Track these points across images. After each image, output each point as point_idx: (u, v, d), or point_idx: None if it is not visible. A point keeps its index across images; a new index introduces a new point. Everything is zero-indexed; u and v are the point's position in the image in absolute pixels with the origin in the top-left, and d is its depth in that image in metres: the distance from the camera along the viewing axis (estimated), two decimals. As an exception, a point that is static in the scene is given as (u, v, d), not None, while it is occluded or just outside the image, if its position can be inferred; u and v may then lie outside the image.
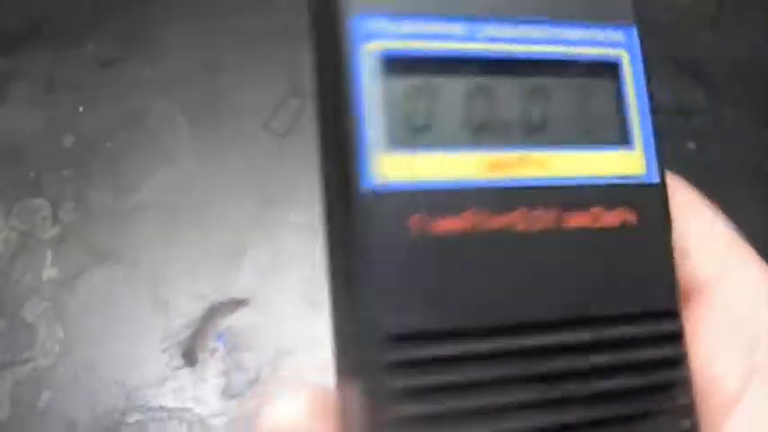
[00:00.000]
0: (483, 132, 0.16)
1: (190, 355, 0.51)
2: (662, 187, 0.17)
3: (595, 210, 0.16)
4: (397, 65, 0.16)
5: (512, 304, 0.15)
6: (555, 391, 0.15)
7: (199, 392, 0.50)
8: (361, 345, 0.15)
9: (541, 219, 0.16)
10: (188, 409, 0.50)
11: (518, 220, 0.15)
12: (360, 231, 0.15)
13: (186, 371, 0.51)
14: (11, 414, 0.50)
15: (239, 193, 0.55)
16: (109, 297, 0.53)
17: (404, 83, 0.16)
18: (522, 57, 0.16)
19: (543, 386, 0.15)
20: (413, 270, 0.15)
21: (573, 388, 0.15)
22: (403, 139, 0.15)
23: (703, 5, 0.67)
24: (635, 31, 0.17)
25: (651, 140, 0.17)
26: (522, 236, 0.15)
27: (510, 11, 0.16)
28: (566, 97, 0.17)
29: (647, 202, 0.17)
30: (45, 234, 0.55)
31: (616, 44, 0.17)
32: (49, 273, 0.53)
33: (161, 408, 0.50)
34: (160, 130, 0.57)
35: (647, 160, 0.17)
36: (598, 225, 0.16)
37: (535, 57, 0.16)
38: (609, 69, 0.17)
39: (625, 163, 0.16)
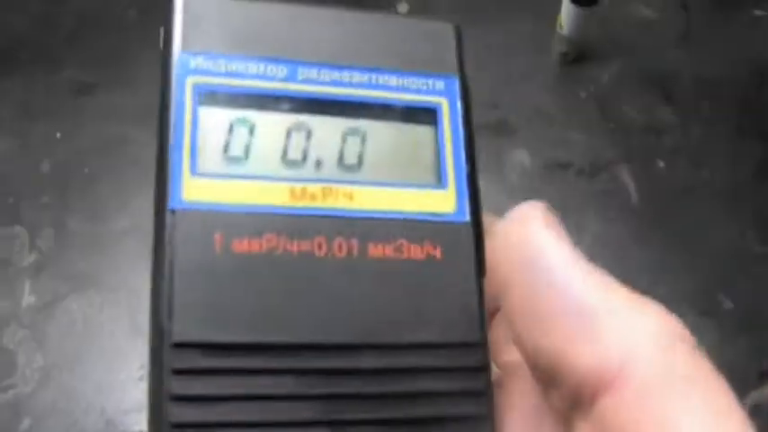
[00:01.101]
0: (293, 165, 0.17)
1: (168, 381, 0.52)
2: (472, 226, 0.17)
3: (399, 242, 0.17)
4: (214, 98, 0.17)
5: (301, 324, 0.16)
6: (334, 413, 0.16)
7: (177, 417, 0.51)
8: (152, 350, 0.15)
9: (342, 247, 0.16)
10: (167, 434, 0.51)
11: (316, 247, 0.16)
12: (165, 245, 0.16)
13: (165, 396, 0.51)
14: (-9, 441, 0.51)
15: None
16: (87, 324, 0.53)
17: (219, 115, 0.17)
18: (342, 98, 0.17)
19: (321, 407, 0.16)
20: (207, 284, 0.16)
21: (353, 411, 0.16)
22: (211, 166, 0.16)
23: (672, 23, 0.68)
24: (457, 81, 0.18)
25: (464, 182, 0.17)
26: (319, 262, 0.16)
27: (334, 58, 0.17)
28: (382, 139, 0.17)
29: (454, 239, 0.17)
30: (23, 261, 0.55)
31: (436, 92, 0.18)
32: (28, 300, 0.54)
33: (140, 433, 0.51)
34: (137, 156, 0.58)
35: (459, 200, 0.17)
36: (401, 257, 0.17)
37: (355, 99, 0.17)
38: (427, 115, 0.18)
39: (435, 201, 0.17)
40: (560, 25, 0.63)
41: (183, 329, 0.15)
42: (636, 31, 0.68)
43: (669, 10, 0.68)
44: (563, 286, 0.15)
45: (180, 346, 0.15)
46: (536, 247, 0.16)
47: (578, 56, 0.65)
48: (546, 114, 0.62)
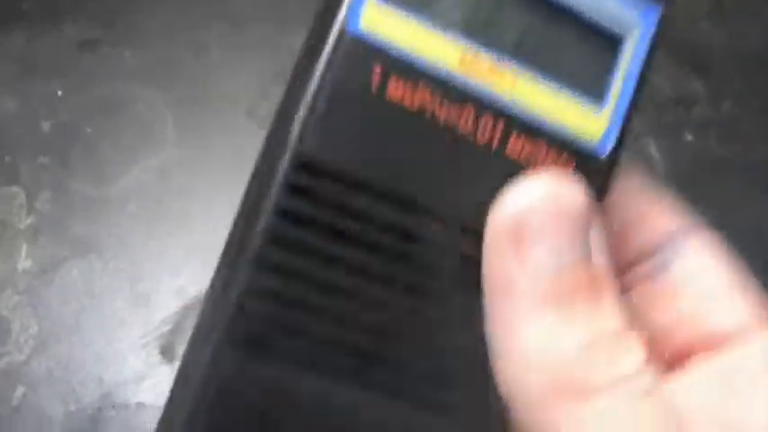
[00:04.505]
0: (475, 30, 0.16)
1: (169, 352, 0.49)
2: (612, 155, 0.17)
3: (539, 144, 0.16)
4: None
5: (417, 185, 0.16)
6: (408, 273, 0.16)
7: (178, 390, 0.49)
8: (266, 159, 0.16)
9: (486, 129, 0.16)
10: (167, 407, 0.48)
11: (463, 120, 0.16)
12: (320, 64, 0.16)
13: (165, 367, 0.49)
14: (-17, 410, 0.49)
15: (222, 184, 0.54)
16: (86, 290, 0.51)
17: None
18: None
19: (402, 266, 0.16)
20: (349, 116, 0.16)
21: (427, 278, 0.16)
22: None
23: (705, -7, 0.65)
24: (657, 13, 0.18)
25: (620, 113, 0.17)
26: (459, 137, 0.16)
27: None
28: (566, 41, 0.17)
29: (591, 162, 0.17)
30: (20, 223, 0.53)
31: (634, 17, 0.17)
32: (24, 264, 0.52)
33: (139, 405, 0.49)
34: (142, 117, 0.55)
35: (609, 128, 0.17)
36: (534, 160, 0.16)
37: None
38: (615, 37, 0.17)
39: (587, 121, 0.17)
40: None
41: (308, 146, 0.16)
42: None
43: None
44: None
45: (300, 161, 0.16)
46: None
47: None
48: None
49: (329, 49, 0.16)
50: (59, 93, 0.56)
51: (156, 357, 0.49)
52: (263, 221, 0.16)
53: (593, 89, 0.17)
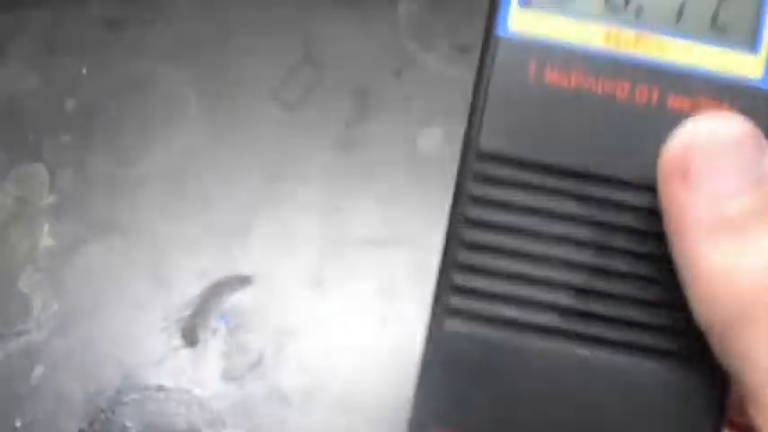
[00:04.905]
0: (614, 9, 0.18)
1: (190, 335, 0.49)
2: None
3: (698, 98, 0.17)
4: None
5: (588, 155, 0.18)
6: (606, 240, 0.18)
7: (198, 374, 0.48)
8: (462, 157, 0.18)
9: (643, 94, 0.17)
10: (187, 391, 0.48)
11: (619, 90, 0.17)
12: (486, 68, 0.18)
13: (186, 351, 0.49)
14: (2, 388, 0.48)
15: (246, 167, 0.53)
16: (107, 270, 0.51)
17: None
18: None
19: (590, 232, 0.18)
20: (516, 107, 0.18)
21: (617, 240, 0.18)
22: (539, 1, 0.18)
23: None
24: None
25: None
26: (619, 105, 0.18)
27: None
28: None
29: (753, 104, 0.17)
30: (42, 201, 0.52)
31: None
32: (46, 242, 0.51)
33: (159, 388, 0.48)
34: (166, 98, 0.55)
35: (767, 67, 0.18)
36: (696, 112, 0.17)
37: None
38: None
39: (744, 65, 0.18)
40: None
41: (487, 141, 0.18)
42: None
43: None
44: None
45: (484, 155, 0.18)
46: None
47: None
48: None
49: (488, 54, 0.18)
50: (84, 71, 0.56)
51: (178, 340, 0.49)
52: (465, 209, 0.18)
53: (743, 35, 0.18)
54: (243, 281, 0.50)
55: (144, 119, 0.55)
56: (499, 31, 0.18)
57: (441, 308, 0.19)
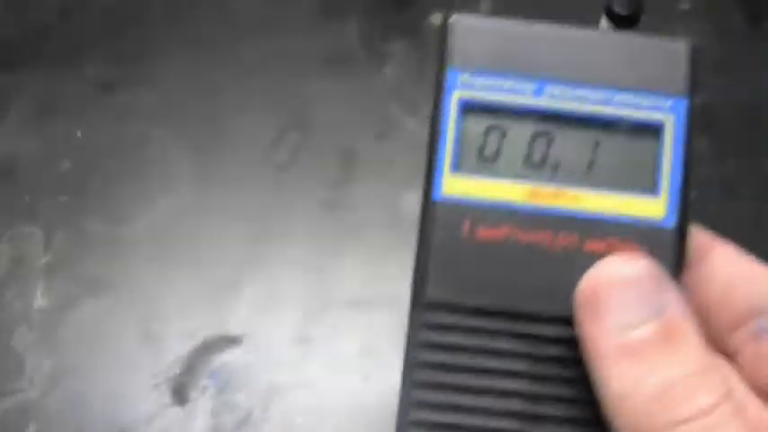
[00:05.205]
0: (533, 168, 0.20)
1: (180, 393, 0.50)
2: (677, 231, 0.20)
3: (611, 241, 0.20)
4: (474, 109, 0.20)
5: (526, 298, 0.20)
6: (540, 370, 0.20)
7: None
8: (412, 307, 0.20)
9: (564, 240, 0.20)
10: (176, 448, 0.49)
11: (543, 238, 0.20)
12: (427, 229, 0.20)
13: (176, 409, 0.50)
14: (-5, 446, 0.49)
15: (235, 227, 0.55)
16: (99, 329, 0.52)
17: (476, 124, 0.20)
18: (580, 113, 0.20)
19: (532, 363, 0.20)
20: (456, 261, 0.20)
21: (553, 369, 0.20)
22: (468, 165, 0.20)
23: (709, 49, 0.66)
24: (685, 102, 0.20)
25: (677, 193, 0.20)
26: (543, 251, 0.20)
27: (576, 76, 0.20)
28: (610, 150, 0.20)
29: (660, 242, 0.20)
30: (37, 261, 0.54)
31: (664, 110, 0.20)
32: (40, 302, 0.53)
33: (148, 446, 0.49)
34: (158, 158, 0.57)
35: (669, 208, 0.20)
36: (604, 252, 0.20)
37: (591, 115, 0.20)
38: (652, 131, 0.20)
39: (647, 207, 0.20)
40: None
41: (434, 292, 0.20)
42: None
43: (709, 37, 0.67)
44: None
45: (431, 305, 0.20)
46: None
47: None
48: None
49: (427, 215, 0.20)
50: (78, 133, 0.58)
51: (168, 399, 0.50)
52: (416, 354, 0.20)
53: (646, 180, 0.20)
54: (231, 340, 0.52)
55: (137, 180, 0.56)
56: (435, 196, 0.20)
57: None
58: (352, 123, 0.58)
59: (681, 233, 0.21)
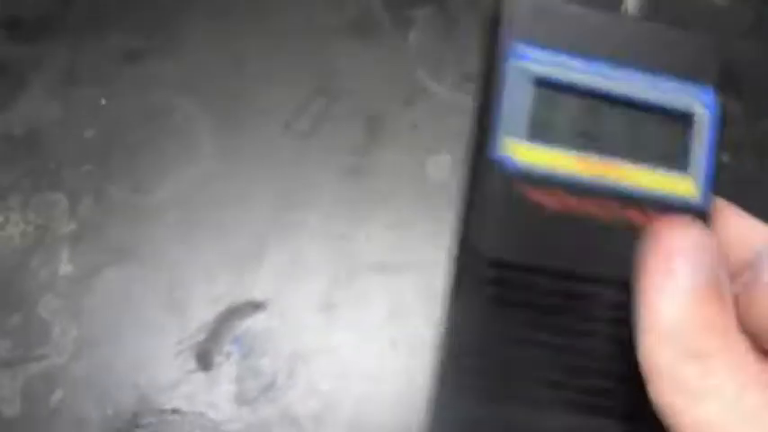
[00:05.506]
0: (582, 141, 0.22)
1: (204, 359, 0.50)
2: (705, 212, 0.22)
3: (648, 212, 0.21)
4: (531, 81, 0.21)
5: (571, 259, 0.21)
6: (587, 325, 0.21)
7: (212, 397, 0.50)
8: (466, 265, 0.21)
9: (606, 208, 0.21)
10: (201, 414, 0.49)
11: (587, 206, 0.21)
12: (483, 183, 0.21)
13: (200, 375, 0.50)
14: (22, 411, 0.50)
15: (259, 195, 0.54)
16: (124, 296, 0.52)
17: (532, 94, 0.21)
18: (627, 94, 0.22)
19: (581, 320, 0.21)
20: (504, 220, 0.21)
21: (592, 323, 0.21)
22: (522, 132, 0.21)
23: (741, 15, 0.65)
24: (712, 91, 0.22)
25: (704, 174, 0.22)
26: (587, 216, 0.21)
27: (627, 60, 0.22)
28: (652, 130, 0.22)
29: (690, 215, 0.21)
30: (62, 229, 0.54)
31: (698, 99, 0.22)
32: (65, 269, 0.53)
33: (174, 411, 0.49)
34: (182, 127, 0.56)
35: (699, 188, 0.22)
36: (647, 222, 0.21)
37: (636, 96, 0.22)
38: (687, 116, 0.22)
39: (680, 186, 0.22)
40: (626, 9, 0.60)
41: (490, 251, 0.21)
42: (704, 18, 0.65)
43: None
44: None
45: (489, 261, 0.21)
46: None
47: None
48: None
49: (480, 173, 0.21)
50: (103, 101, 0.58)
51: (192, 365, 0.50)
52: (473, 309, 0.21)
53: (679, 161, 0.22)
54: (256, 306, 0.51)
55: (160, 148, 0.56)
56: (491, 154, 0.21)
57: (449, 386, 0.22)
58: (377, 90, 0.58)
59: (706, 210, 0.22)
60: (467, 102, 0.56)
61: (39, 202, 0.55)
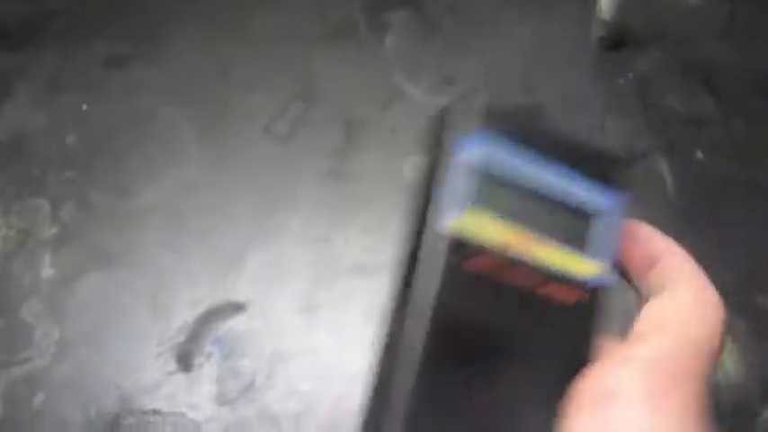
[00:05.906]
0: (513, 221, 0.23)
1: (185, 360, 0.51)
2: (601, 288, 0.24)
3: (562, 287, 0.24)
4: (478, 170, 0.23)
5: (493, 312, 0.23)
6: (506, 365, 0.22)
7: (193, 398, 0.50)
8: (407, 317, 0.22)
9: (528, 278, 0.23)
10: (182, 414, 0.50)
11: (516, 275, 0.23)
12: (426, 251, 0.22)
13: (181, 376, 0.51)
14: (4, 413, 0.50)
15: (241, 199, 0.55)
16: (106, 299, 0.53)
17: (476, 180, 0.23)
18: (549, 192, 0.25)
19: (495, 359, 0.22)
20: (454, 283, 0.22)
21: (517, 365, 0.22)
22: (462, 209, 0.23)
23: (715, 15, 0.66)
24: (618, 196, 0.25)
25: (606, 257, 0.25)
26: (513, 286, 0.23)
27: (551, 162, 0.24)
28: (567, 223, 0.25)
29: (593, 294, 0.24)
30: (44, 234, 0.54)
31: (604, 198, 0.25)
32: (48, 273, 0.53)
33: (155, 412, 0.50)
34: (165, 133, 0.57)
35: (600, 269, 0.24)
36: (559, 296, 0.24)
37: (560, 197, 0.25)
38: (595, 212, 0.25)
39: (584, 266, 0.24)
40: (600, 9, 0.61)
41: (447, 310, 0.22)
42: (678, 18, 0.65)
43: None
44: None
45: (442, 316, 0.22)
46: None
47: (618, 42, 0.63)
48: (581, 100, 0.60)
49: (427, 244, 0.23)
50: (84, 107, 0.58)
51: (173, 366, 0.51)
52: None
53: (590, 249, 0.25)
54: (237, 308, 0.52)
55: (143, 153, 0.57)
56: (439, 228, 0.23)
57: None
58: (355, 94, 0.58)
59: (604, 287, 0.24)
60: (444, 104, 0.56)
61: (21, 207, 0.55)
